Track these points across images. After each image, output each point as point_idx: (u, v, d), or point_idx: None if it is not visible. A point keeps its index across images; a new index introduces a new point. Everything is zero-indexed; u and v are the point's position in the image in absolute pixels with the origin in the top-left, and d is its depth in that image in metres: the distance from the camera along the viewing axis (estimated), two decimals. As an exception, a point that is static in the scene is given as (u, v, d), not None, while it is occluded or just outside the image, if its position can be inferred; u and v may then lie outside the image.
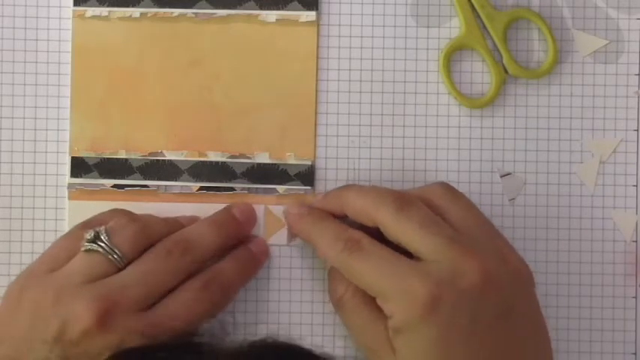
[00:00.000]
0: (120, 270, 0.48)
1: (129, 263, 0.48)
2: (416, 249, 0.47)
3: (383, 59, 0.54)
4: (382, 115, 0.54)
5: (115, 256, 0.48)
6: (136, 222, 0.50)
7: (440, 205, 0.49)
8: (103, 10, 0.54)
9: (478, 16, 0.54)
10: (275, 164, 0.54)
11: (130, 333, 0.45)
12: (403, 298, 0.46)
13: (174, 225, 0.51)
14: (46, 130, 0.54)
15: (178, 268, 0.49)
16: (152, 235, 0.49)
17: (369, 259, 0.48)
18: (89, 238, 0.48)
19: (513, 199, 0.54)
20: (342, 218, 0.51)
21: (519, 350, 0.47)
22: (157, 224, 0.51)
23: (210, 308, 0.49)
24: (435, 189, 0.50)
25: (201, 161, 0.54)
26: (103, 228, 0.49)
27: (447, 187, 0.50)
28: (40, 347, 0.45)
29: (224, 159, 0.54)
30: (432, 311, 0.45)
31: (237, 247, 0.52)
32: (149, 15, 0.54)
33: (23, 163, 0.54)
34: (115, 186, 0.54)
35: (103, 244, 0.48)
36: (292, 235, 0.53)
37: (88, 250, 0.48)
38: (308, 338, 0.54)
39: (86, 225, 0.50)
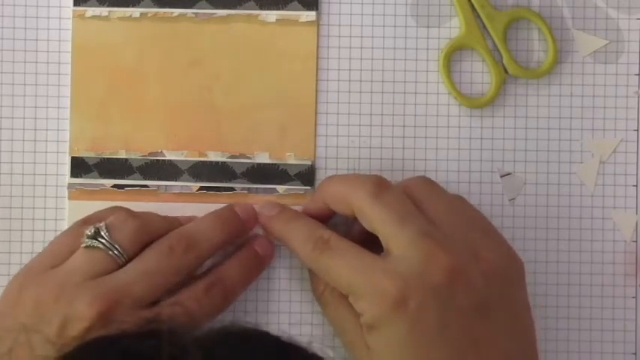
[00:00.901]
0: (121, 266, 0.48)
1: (129, 259, 0.48)
2: (387, 239, 0.47)
3: (383, 59, 0.54)
4: (382, 115, 0.54)
5: (116, 252, 0.48)
6: (136, 218, 0.50)
7: (419, 198, 0.49)
8: (103, 10, 0.54)
9: (478, 16, 0.54)
10: (275, 164, 0.54)
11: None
12: (372, 295, 0.46)
13: (174, 222, 0.51)
14: (46, 130, 0.54)
15: (181, 265, 0.49)
16: (152, 232, 0.49)
17: (338, 257, 0.48)
18: (89, 234, 0.48)
19: (513, 199, 0.54)
20: (330, 217, 0.51)
21: (495, 348, 0.46)
22: (157, 221, 0.51)
23: (211, 311, 0.49)
24: (415, 181, 0.50)
25: (201, 161, 0.54)
26: (103, 224, 0.49)
27: (427, 180, 0.50)
28: (40, 344, 0.44)
29: (224, 159, 0.54)
30: (400, 308, 0.45)
31: (241, 248, 0.52)
32: (149, 15, 0.54)
33: (23, 163, 0.54)
34: (115, 186, 0.54)
35: (103, 241, 0.48)
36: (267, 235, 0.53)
37: (88, 247, 0.48)
38: (308, 338, 0.53)
39: (86, 222, 0.50)
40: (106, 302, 0.45)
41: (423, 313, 0.45)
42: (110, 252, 0.48)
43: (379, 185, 0.48)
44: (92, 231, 0.48)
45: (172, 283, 0.48)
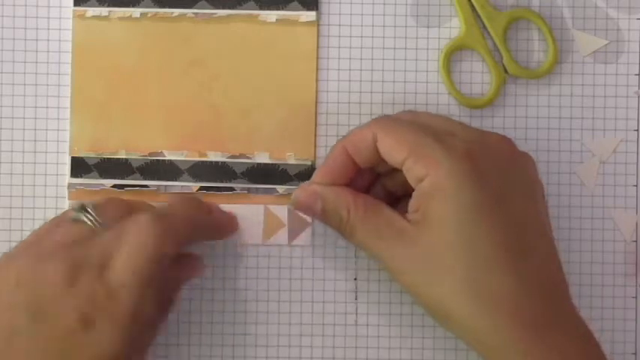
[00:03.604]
0: None
1: None
2: (443, 127, 0.48)
3: (383, 59, 0.54)
4: (382, 115, 0.54)
5: (98, 225, 0.48)
6: (122, 200, 0.50)
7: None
8: (103, 10, 0.54)
9: (478, 16, 0.54)
10: (275, 164, 0.54)
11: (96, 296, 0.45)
12: (440, 153, 0.46)
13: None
14: (46, 130, 0.54)
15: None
16: (136, 209, 0.49)
17: (406, 124, 0.48)
18: (76, 208, 0.48)
19: (513, 199, 0.54)
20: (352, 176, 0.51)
21: (540, 231, 0.47)
22: (143, 204, 0.51)
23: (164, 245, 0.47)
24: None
25: (201, 161, 0.54)
26: (89, 202, 0.49)
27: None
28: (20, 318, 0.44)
29: (224, 159, 0.54)
30: (471, 166, 0.46)
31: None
32: (149, 15, 0.54)
33: (23, 163, 0.54)
34: (115, 186, 0.54)
35: (89, 216, 0.48)
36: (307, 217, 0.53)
37: (75, 220, 0.48)
38: (308, 338, 0.54)
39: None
40: (72, 265, 0.45)
41: (490, 178, 0.46)
42: (95, 226, 0.47)
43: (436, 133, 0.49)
44: (79, 205, 0.48)
45: None
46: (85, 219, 0.48)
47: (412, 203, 0.47)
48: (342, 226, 0.49)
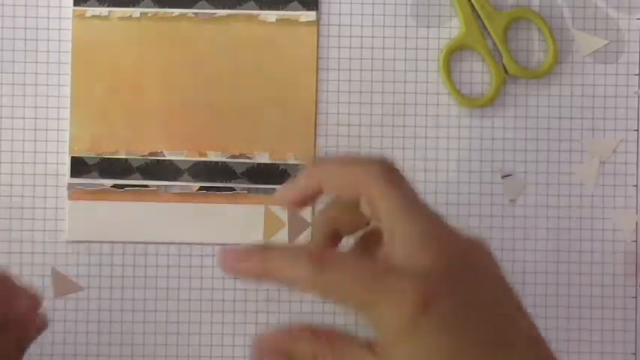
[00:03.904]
0: None
1: None
2: (398, 237, 0.41)
3: (383, 59, 0.54)
4: (382, 115, 0.54)
5: None
6: None
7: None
8: (103, 10, 0.54)
9: (478, 16, 0.54)
10: (275, 164, 0.54)
11: None
12: (386, 306, 0.40)
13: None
14: (46, 130, 0.54)
15: None
16: None
17: (340, 271, 0.41)
18: None
19: (514, 199, 0.54)
20: (316, 198, 0.44)
21: (521, 336, 0.41)
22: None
23: None
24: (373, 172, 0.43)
25: (201, 161, 0.54)
26: None
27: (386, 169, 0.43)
28: None
29: (224, 159, 0.54)
30: (423, 310, 0.39)
31: None
32: (149, 15, 0.54)
33: (23, 163, 0.54)
34: (115, 186, 0.54)
35: None
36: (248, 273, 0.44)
37: None
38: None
39: None
40: None
41: (451, 312, 0.40)
42: None
43: (390, 170, 0.43)
44: None
45: None
46: None
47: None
48: None
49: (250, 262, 0.42)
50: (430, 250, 0.41)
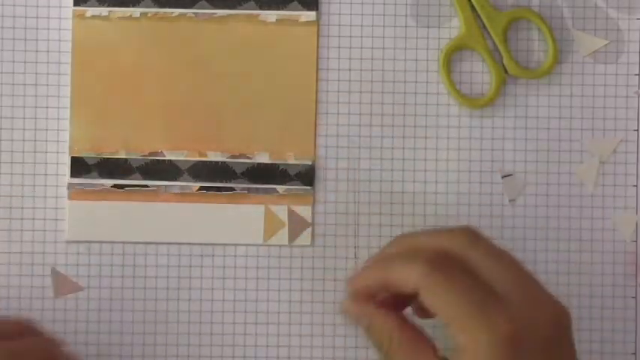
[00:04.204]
0: None
1: None
2: (493, 279, 0.45)
3: (383, 59, 0.54)
4: (382, 115, 0.54)
5: None
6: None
7: (475, 264, 0.46)
8: (103, 10, 0.54)
9: (478, 16, 0.54)
10: (275, 164, 0.54)
11: None
12: (484, 330, 0.43)
13: None
14: (46, 130, 0.54)
15: None
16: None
17: (453, 281, 0.44)
18: None
19: (514, 199, 0.54)
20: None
21: None
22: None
23: None
24: (457, 236, 0.47)
25: (201, 161, 0.54)
26: None
27: (469, 234, 0.47)
28: None
29: (224, 159, 0.54)
30: (512, 349, 0.43)
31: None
32: (149, 15, 0.54)
33: (23, 163, 0.54)
34: (115, 186, 0.54)
35: None
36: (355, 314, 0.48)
37: None
38: (308, 338, 0.54)
39: None
40: None
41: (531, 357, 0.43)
42: None
43: (475, 232, 0.46)
44: None
45: None
46: None
47: None
48: (382, 351, 0.47)
49: (376, 273, 0.47)
50: (533, 305, 0.44)
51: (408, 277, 0.45)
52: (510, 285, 0.45)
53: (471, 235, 0.46)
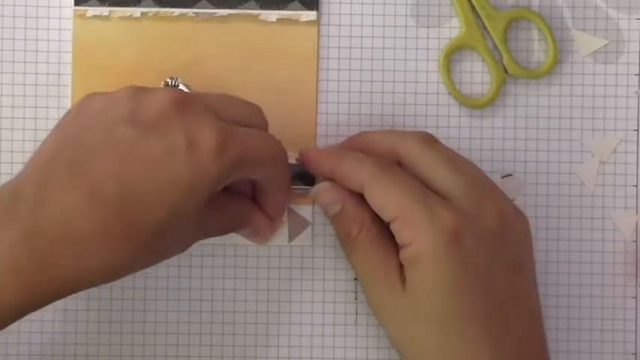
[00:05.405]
0: None
1: None
2: (441, 184, 0.47)
3: (383, 59, 0.54)
4: (382, 115, 0.54)
5: None
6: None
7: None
8: (104, 10, 0.54)
9: (478, 16, 0.54)
10: (275, 164, 0.54)
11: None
12: (427, 224, 0.45)
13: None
14: (46, 130, 0.54)
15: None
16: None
17: (395, 180, 0.47)
18: (167, 82, 0.50)
19: (514, 199, 0.54)
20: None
21: (526, 306, 0.47)
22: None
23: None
24: (410, 139, 0.49)
25: (201, 161, 0.54)
26: (177, 80, 0.51)
27: (424, 137, 0.50)
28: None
29: (224, 159, 0.54)
30: (455, 243, 0.45)
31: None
32: (150, 15, 0.54)
33: (23, 163, 0.54)
34: (115, 186, 0.54)
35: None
36: (322, 170, 0.51)
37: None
38: (308, 338, 0.54)
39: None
40: (224, 136, 0.44)
41: (474, 256, 0.45)
42: None
43: (429, 137, 0.49)
44: (170, 82, 0.51)
45: None
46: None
47: (401, 259, 0.47)
48: (346, 240, 0.49)
49: (328, 163, 0.49)
50: (476, 197, 0.47)
51: (355, 174, 0.48)
52: (462, 189, 0.47)
53: (425, 139, 0.49)
